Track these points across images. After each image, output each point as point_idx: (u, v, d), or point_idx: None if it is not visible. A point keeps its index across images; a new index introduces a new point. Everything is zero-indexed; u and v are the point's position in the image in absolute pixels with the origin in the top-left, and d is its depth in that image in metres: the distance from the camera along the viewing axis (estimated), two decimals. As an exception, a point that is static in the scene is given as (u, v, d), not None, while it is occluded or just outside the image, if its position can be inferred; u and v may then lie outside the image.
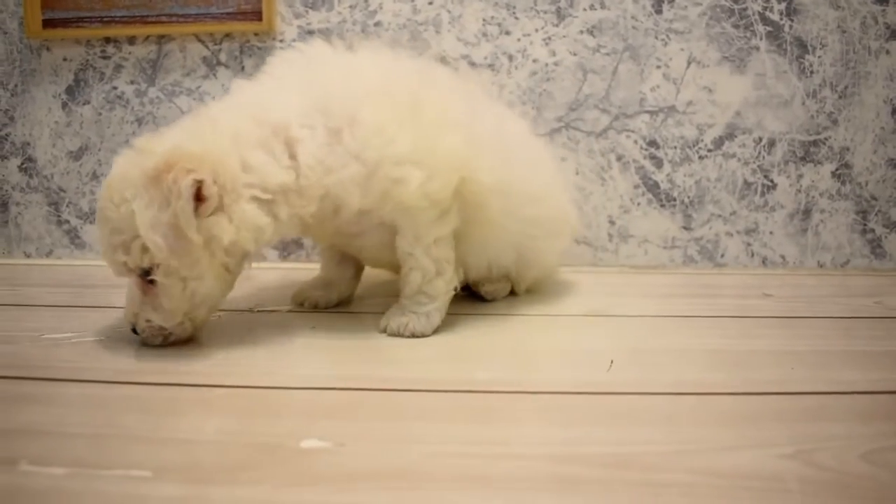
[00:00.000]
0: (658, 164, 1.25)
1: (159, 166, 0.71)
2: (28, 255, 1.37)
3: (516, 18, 1.23)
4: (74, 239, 1.35)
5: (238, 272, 0.82)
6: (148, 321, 0.78)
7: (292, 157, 0.78)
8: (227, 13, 1.24)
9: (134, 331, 0.80)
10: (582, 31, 1.23)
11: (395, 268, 0.90)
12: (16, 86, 1.33)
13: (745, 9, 1.21)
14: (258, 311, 0.95)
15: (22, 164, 1.34)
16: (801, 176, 1.24)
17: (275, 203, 0.78)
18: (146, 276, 0.76)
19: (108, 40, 1.30)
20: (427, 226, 0.83)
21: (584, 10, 1.22)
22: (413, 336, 0.83)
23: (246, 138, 0.77)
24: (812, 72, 1.22)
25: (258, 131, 0.77)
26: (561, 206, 1.02)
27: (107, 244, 0.76)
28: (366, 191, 0.79)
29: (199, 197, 0.73)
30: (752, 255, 1.26)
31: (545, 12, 1.23)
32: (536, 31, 1.23)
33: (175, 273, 0.75)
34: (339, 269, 0.98)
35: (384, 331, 0.84)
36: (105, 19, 1.26)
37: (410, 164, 0.78)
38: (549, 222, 0.98)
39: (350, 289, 0.99)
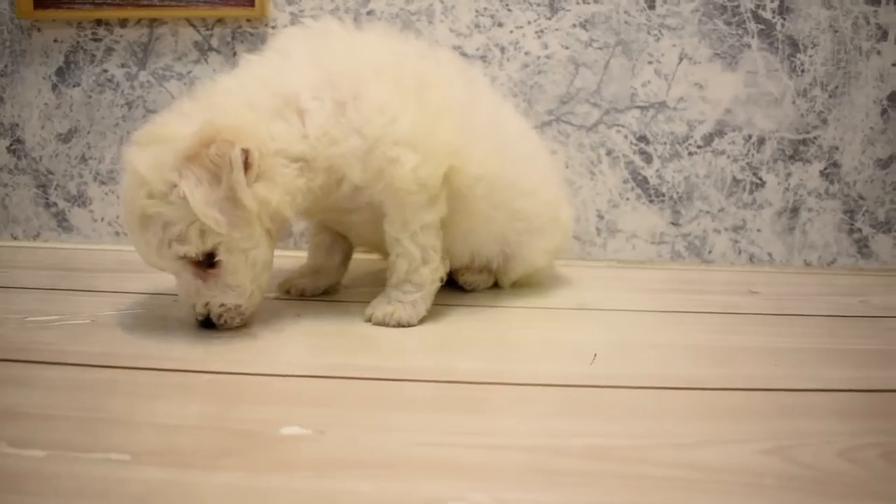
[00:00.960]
0: (648, 159, 1.25)
1: (195, 144, 0.72)
2: (15, 238, 1.36)
3: (509, 10, 1.23)
4: (62, 222, 1.34)
5: (277, 239, 0.84)
6: (222, 305, 0.78)
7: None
8: (220, -2, 1.23)
9: (205, 323, 0.79)
10: (574, 25, 1.23)
11: (382, 249, 0.90)
12: (5, 66, 1.32)
13: (738, 6, 1.21)
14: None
15: (10, 145, 1.34)
16: (789, 174, 1.24)
17: (297, 172, 0.79)
18: (209, 260, 0.76)
19: (99, 22, 1.29)
20: (415, 211, 0.83)
21: (577, 3, 1.22)
22: (399, 325, 0.83)
23: (264, 109, 0.77)
24: (803, 70, 1.22)
25: (273, 101, 0.78)
26: (552, 205, 1.01)
27: (157, 243, 0.74)
28: (365, 165, 0.80)
29: (244, 166, 0.73)
30: (740, 252, 1.26)
31: (538, 5, 1.22)
32: (529, 23, 1.23)
33: (237, 246, 0.76)
34: (327, 256, 0.97)
35: (369, 320, 0.85)
36: (97, 1, 1.25)
37: (407, 146, 0.79)
38: (537, 218, 0.97)
39: (337, 277, 0.99)
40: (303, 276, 0.97)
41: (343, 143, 0.79)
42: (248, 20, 1.26)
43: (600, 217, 1.27)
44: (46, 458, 0.50)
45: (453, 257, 0.92)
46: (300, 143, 0.78)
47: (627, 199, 1.26)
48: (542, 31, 1.23)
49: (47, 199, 1.34)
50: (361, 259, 1.05)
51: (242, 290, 0.79)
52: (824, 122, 1.23)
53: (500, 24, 1.23)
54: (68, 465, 0.49)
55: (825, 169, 1.24)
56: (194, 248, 0.74)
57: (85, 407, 0.59)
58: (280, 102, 0.78)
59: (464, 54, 1.23)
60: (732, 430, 0.58)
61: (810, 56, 1.22)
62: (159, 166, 0.72)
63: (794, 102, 1.23)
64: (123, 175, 0.76)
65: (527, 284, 1.04)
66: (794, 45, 1.22)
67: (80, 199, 1.33)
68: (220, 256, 0.76)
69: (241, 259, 0.77)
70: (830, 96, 1.23)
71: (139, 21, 1.28)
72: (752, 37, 1.22)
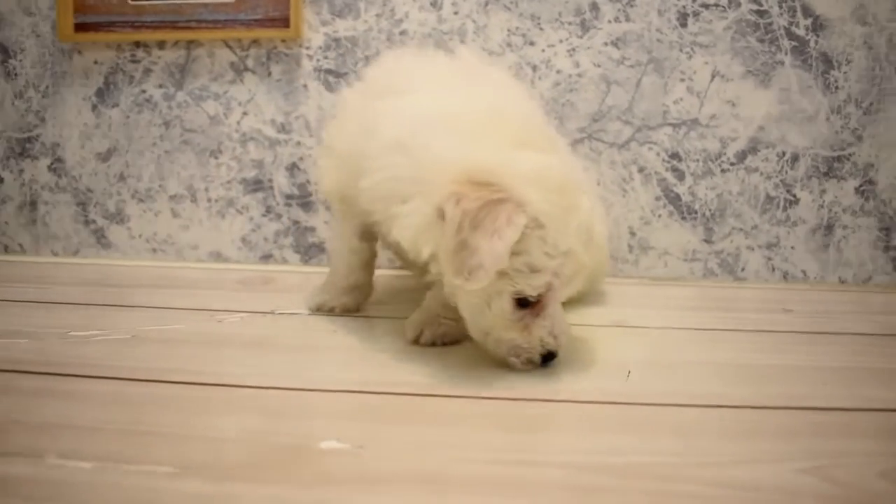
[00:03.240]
0: (680, 176, 1.25)
1: None
2: (55, 254, 1.39)
3: (541, 29, 1.24)
4: (100, 239, 1.37)
5: None
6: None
7: None
8: (255, 20, 1.26)
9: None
10: (606, 43, 1.23)
11: (419, 267, 0.90)
12: (47, 87, 1.35)
13: (771, 23, 1.21)
14: (279, 313, 0.96)
15: (51, 164, 1.37)
16: (823, 191, 1.24)
17: None
18: None
19: (137, 45, 1.32)
20: None
21: (609, 22, 1.23)
22: (444, 344, 0.82)
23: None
24: (837, 87, 1.22)
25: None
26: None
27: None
28: None
29: None
30: (773, 269, 1.26)
31: (570, 24, 1.23)
32: (561, 42, 1.24)
33: None
34: (364, 273, 0.98)
35: (416, 341, 0.83)
36: (136, 24, 1.28)
37: None
38: None
39: (370, 293, 1.00)
40: (345, 294, 0.97)
41: None
42: (283, 41, 1.28)
43: (632, 234, 1.27)
44: (94, 470, 0.51)
45: None
46: None
47: (660, 216, 1.26)
48: (573, 49, 1.24)
49: (86, 216, 1.37)
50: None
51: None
52: (859, 138, 1.22)
53: (532, 43, 1.24)
54: (116, 476, 0.51)
55: (860, 186, 1.23)
56: None
57: (130, 420, 0.61)
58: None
59: (495, 73, 1.24)
60: (769, 448, 0.57)
61: (844, 73, 1.21)
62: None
63: (828, 119, 1.22)
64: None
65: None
66: (827, 61, 1.21)
67: (118, 217, 1.36)
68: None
69: None
70: (865, 113, 1.22)
71: (176, 43, 1.31)
72: (786, 54, 1.21)
